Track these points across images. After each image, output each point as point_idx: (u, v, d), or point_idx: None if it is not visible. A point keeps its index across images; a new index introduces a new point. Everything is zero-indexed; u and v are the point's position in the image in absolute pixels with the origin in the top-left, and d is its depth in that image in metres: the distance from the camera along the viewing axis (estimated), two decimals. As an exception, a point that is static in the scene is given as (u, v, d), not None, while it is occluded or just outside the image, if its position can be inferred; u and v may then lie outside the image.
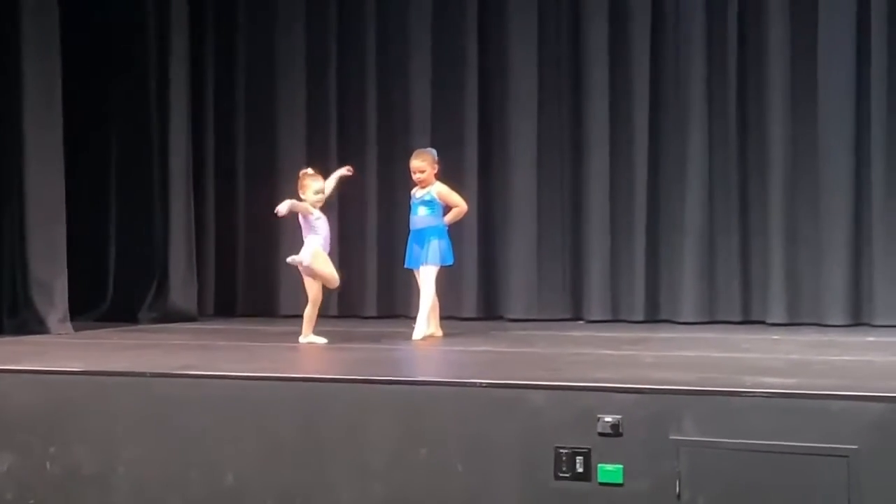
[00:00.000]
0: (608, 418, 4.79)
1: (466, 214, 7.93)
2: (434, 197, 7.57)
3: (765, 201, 8.80)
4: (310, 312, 7.23)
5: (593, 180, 9.20)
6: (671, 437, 4.72)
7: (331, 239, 7.40)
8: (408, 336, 7.47)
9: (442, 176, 7.70)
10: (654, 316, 9.03)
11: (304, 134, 9.90)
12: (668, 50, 9.13)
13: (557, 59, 9.40)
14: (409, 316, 8.37)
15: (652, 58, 9.09)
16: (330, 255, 7.35)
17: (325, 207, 7.33)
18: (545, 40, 9.39)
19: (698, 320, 8.81)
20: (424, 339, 7.45)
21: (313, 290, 7.20)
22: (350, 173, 7.71)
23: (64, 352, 6.90)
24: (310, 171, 7.31)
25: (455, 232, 7.93)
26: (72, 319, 8.20)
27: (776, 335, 7.89)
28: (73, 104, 8.47)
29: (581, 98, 9.28)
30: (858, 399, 4.58)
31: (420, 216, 7.60)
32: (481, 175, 9.44)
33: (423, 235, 7.56)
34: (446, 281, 8.07)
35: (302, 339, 7.22)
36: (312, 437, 5.23)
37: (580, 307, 9.25)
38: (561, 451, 4.83)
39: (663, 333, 8.16)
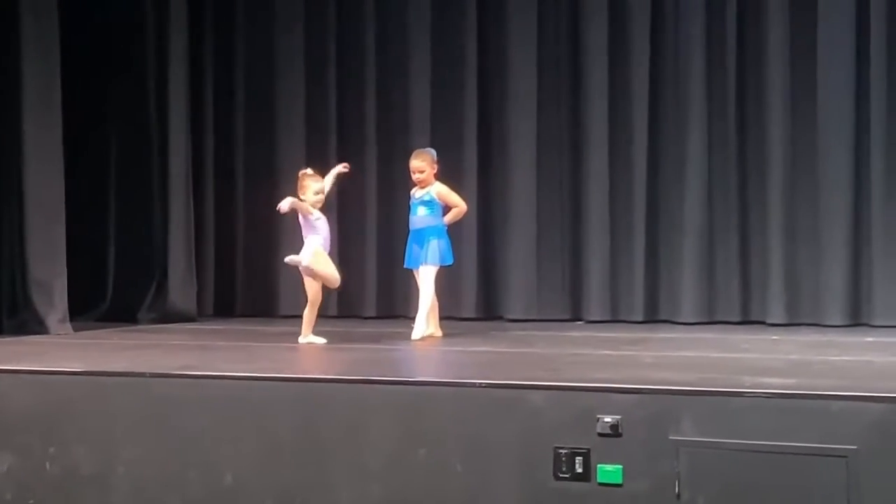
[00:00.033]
0: (607, 418, 4.79)
1: (466, 214, 7.93)
2: (433, 197, 7.57)
3: (764, 201, 8.80)
4: (309, 313, 7.23)
5: (593, 180, 9.20)
6: (670, 438, 4.71)
7: (331, 239, 7.41)
8: (407, 336, 7.47)
9: (441, 176, 7.70)
10: (653, 316, 9.03)
11: (303, 134, 9.90)
12: (668, 50, 9.13)
13: (557, 60, 9.40)
14: (409, 316, 8.37)
15: (651, 58, 9.09)
16: (330, 254, 7.35)
17: (325, 207, 7.33)
18: (544, 40, 9.39)
19: (698, 320, 8.81)
20: (424, 339, 7.45)
21: (313, 290, 7.20)
22: (346, 170, 7.72)
23: (63, 352, 6.91)
24: (309, 171, 7.31)
25: (454, 232, 7.93)
26: (71, 320, 8.20)
27: (775, 335, 7.89)
28: (72, 104, 8.48)
29: (580, 98, 9.28)
30: (858, 399, 4.58)
31: (419, 216, 7.60)
32: (480, 175, 9.44)
33: (422, 235, 7.56)
34: (446, 281, 8.07)
35: (301, 340, 7.21)
36: (312, 438, 5.23)
37: (579, 307, 9.25)
38: (560, 451, 4.83)
39: (663, 334, 8.16)
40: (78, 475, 5.48)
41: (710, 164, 8.94)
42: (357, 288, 9.48)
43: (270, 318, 9.54)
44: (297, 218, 7.22)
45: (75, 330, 8.14)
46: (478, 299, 9.44)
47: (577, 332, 8.29)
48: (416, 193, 7.65)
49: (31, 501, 5.54)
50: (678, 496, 4.69)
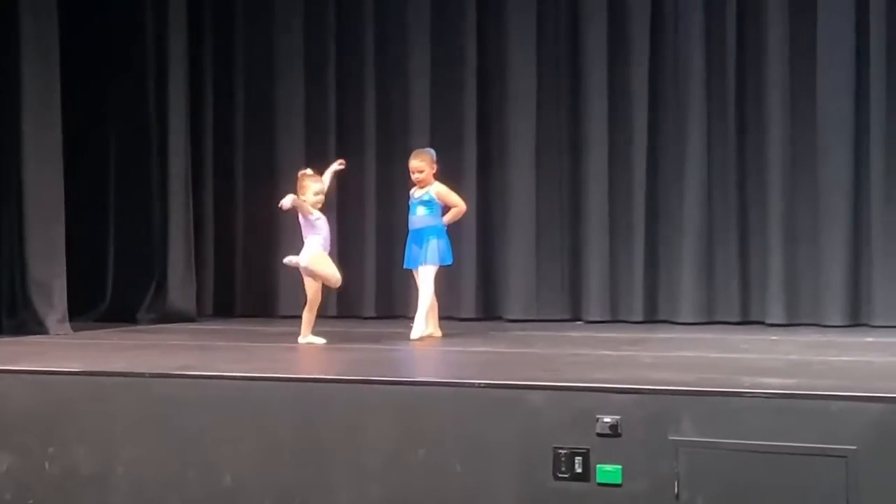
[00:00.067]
0: (607, 419, 4.79)
1: (465, 214, 7.93)
2: (433, 197, 7.57)
3: (764, 201, 8.80)
4: (308, 313, 7.23)
5: (592, 180, 9.20)
6: (670, 438, 4.71)
7: (331, 239, 7.41)
8: (406, 336, 7.47)
9: (441, 176, 7.70)
10: (652, 316, 9.03)
11: (302, 134, 9.90)
12: (667, 50, 9.13)
13: (556, 60, 9.40)
14: (408, 316, 8.36)
15: (651, 58, 9.09)
16: (330, 254, 7.35)
17: (325, 207, 7.32)
18: (544, 40, 9.39)
19: (697, 321, 8.81)
20: (423, 339, 7.45)
21: (312, 290, 7.20)
22: (343, 167, 7.72)
23: (63, 352, 6.90)
24: (309, 171, 7.30)
25: (454, 232, 7.93)
26: (71, 320, 8.20)
27: (775, 335, 7.89)
28: (71, 104, 8.48)
29: (580, 98, 9.28)
30: (857, 399, 4.58)
31: (419, 216, 7.60)
32: (480, 175, 9.44)
33: (421, 235, 7.56)
34: (445, 281, 8.07)
35: (301, 340, 7.21)
36: (311, 438, 5.22)
37: (579, 307, 9.25)
38: (560, 451, 4.83)
39: (662, 334, 8.15)
40: (77, 475, 5.47)
41: (709, 164, 8.95)
42: (356, 288, 9.48)
43: (270, 319, 9.55)
44: (297, 218, 7.22)
45: (75, 330, 8.14)
46: (477, 299, 9.44)
47: (576, 333, 8.29)
48: (416, 193, 7.65)
49: (31, 501, 5.53)
50: (677, 496, 4.68)
